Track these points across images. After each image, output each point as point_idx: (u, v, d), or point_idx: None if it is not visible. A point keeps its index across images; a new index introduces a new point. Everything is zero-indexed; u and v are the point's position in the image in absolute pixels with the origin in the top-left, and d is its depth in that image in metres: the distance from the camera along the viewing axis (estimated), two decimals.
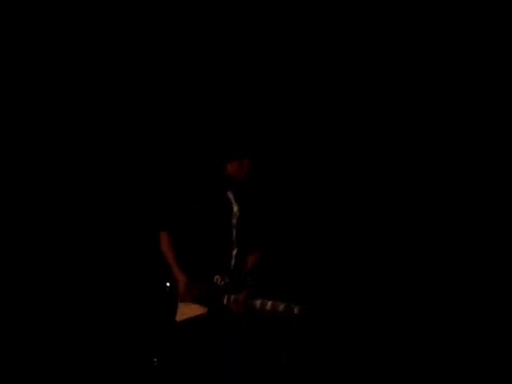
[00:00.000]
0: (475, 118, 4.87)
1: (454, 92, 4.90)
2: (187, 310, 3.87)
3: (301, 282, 4.85)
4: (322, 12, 4.94)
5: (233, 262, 3.91)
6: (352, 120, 5.04)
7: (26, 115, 4.87)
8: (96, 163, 4.98)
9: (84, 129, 4.97)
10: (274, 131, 5.01)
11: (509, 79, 4.78)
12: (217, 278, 3.85)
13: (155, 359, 3.98)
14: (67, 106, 4.95)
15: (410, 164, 4.99)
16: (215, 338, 3.87)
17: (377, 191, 5.01)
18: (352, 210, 5.03)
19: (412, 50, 4.91)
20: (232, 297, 3.81)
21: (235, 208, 3.97)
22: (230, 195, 3.99)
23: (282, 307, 3.72)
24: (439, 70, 4.90)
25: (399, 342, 4.85)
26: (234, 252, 3.92)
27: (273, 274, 4.49)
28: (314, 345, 4.66)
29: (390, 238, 4.96)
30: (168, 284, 3.93)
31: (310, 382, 4.66)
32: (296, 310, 3.71)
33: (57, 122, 4.93)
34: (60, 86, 4.92)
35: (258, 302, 3.78)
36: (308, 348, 4.62)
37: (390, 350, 4.85)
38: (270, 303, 3.76)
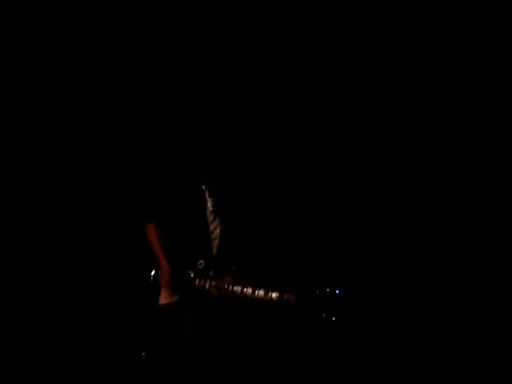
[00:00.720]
0: (475, 117, 4.87)
1: (453, 92, 4.90)
2: (168, 294, 4.01)
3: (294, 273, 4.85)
4: (322, 12, 4.94)
5: (214, 251, 4.05)
6: (351, 119, 5.04)
7: (21, 113, 4.90)
8: (85, 157, 5.04)
9: (78, 124, 5.00)
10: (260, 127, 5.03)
11: (509, 79, 4.78)
12: (200, 263, 4.01)
13: (143, 353, 4.03)
14: (61, 103, 4.98)
15: (410, 164, 4.99)
16: (214, 337, 3.90)
17: (376, 190, 5.01)
18: (351, 210, 5.03)
19: (412, 50, 4.91)
20: (213, 282, 3.93)
21: (209, 202, 4.10)
22: (205, 188, 4.12)
23: (275, 295, 3.77)
24: (439, 69, 4.90)
25: (399, 341, 4.85)
26: (216, 241, 4.05)
27: (266, 263, 4.50)
28: (314, 345, 4.66)
29: (389, 237, 4.96)
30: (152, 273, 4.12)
31: (310, 382, 4.66)
32: (292, 299, 3.73)
33: (53, 120, 4.96)
34: (59, 86, 4.94)
35: (245, 289, 3.86)
36: (308, 348, 4.62)
37: (390, 349, 4.85)
38: (262, 291, 3.82)
